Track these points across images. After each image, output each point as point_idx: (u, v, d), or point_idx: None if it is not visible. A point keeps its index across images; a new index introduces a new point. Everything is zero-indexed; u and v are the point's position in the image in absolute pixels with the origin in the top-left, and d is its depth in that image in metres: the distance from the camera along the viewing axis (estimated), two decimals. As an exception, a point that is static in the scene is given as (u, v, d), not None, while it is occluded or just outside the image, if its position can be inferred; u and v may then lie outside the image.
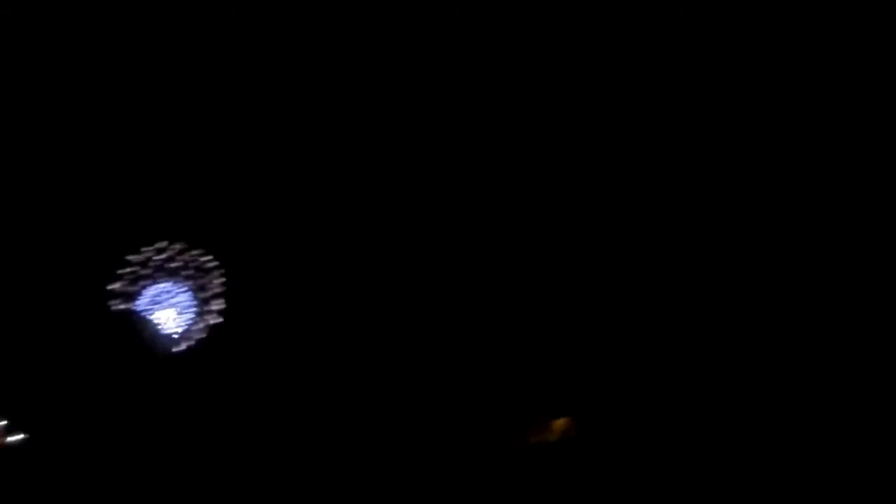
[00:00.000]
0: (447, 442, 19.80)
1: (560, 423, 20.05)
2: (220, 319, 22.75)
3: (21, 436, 20.89)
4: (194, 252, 23.04)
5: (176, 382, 21.64)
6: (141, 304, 22.82)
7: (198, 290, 23.01)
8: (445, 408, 20.49)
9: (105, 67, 21.67)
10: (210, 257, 22.98)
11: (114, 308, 22.46)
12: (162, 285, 23.02)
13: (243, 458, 20.03)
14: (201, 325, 22.86)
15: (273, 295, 22.26)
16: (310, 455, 19.90)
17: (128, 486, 19.46)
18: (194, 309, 23.02)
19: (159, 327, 22.84)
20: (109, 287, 22.50)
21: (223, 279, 22.94)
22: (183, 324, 22.97)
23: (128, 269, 22.71)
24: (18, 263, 21.73)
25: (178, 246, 23.08)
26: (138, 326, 22.55)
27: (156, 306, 22.96)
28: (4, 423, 20.94)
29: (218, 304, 22.86)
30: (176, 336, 22.88)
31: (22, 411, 20.93)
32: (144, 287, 22.92)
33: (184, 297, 23.02)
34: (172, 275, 23.05)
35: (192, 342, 22.73)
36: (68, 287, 21.91)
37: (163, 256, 23.01)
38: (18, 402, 20.95)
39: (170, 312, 22.97)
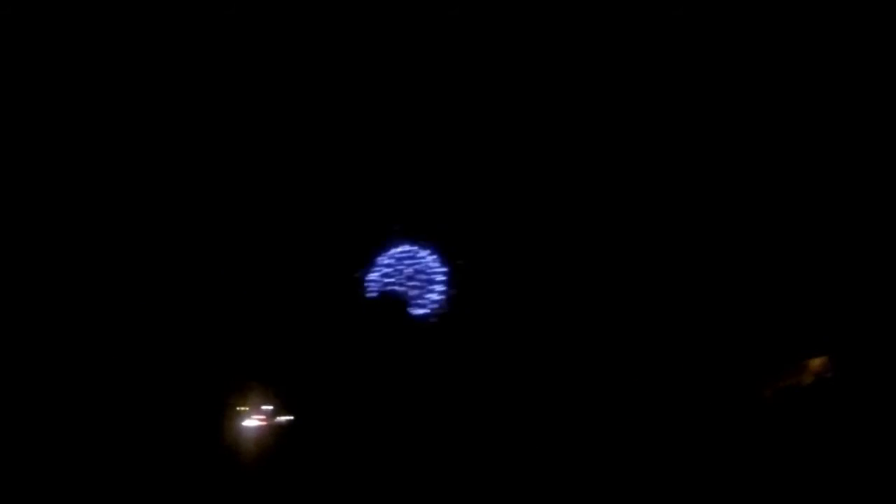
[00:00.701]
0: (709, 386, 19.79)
1: (817, 363, 19.56)
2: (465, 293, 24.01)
3: (287, 417, 22.41)
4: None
5: (429, 355, 22.58)
6: (396, 282, 24.46)
7: (448, 267, 24.44)
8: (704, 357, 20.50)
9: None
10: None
11: (370, 290, 24.19)
12: (414, 261, 24.59)
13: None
14: (449, 300, 24.31)
15: (513, 272, 23.14)
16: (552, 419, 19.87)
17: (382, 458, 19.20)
18: (444, 284, 24.45)
19: (413, 304, 24.35)
20: (364, 271, 24.30)
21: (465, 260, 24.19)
22: (434, 300, 24.44)
23: (379, 252, 24.53)
24: (278, 259, 23.49)
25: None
26: (394, 304, 23.98)
27: (407, 284, 24.48)
28: (271, 407, 22.55)
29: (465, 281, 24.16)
30: (428, 312, 24.37)
31: (286, 394, 22.41)
32: (401, 267, 24.53)
33: (435, 273, 24.46)
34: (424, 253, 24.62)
35: (444, 317, 24.21)
36: (321, 272, 23.59)
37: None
38: (283, 386, 22.42)
39: (421, 288, 24.47)
